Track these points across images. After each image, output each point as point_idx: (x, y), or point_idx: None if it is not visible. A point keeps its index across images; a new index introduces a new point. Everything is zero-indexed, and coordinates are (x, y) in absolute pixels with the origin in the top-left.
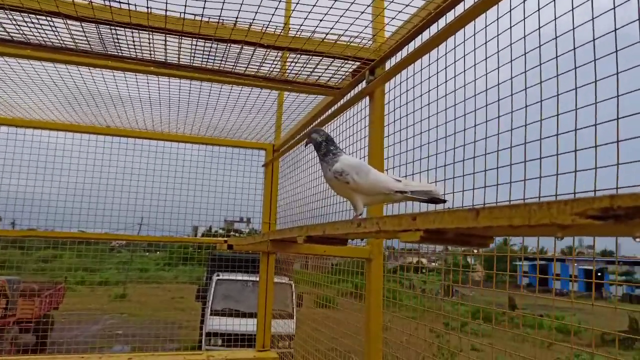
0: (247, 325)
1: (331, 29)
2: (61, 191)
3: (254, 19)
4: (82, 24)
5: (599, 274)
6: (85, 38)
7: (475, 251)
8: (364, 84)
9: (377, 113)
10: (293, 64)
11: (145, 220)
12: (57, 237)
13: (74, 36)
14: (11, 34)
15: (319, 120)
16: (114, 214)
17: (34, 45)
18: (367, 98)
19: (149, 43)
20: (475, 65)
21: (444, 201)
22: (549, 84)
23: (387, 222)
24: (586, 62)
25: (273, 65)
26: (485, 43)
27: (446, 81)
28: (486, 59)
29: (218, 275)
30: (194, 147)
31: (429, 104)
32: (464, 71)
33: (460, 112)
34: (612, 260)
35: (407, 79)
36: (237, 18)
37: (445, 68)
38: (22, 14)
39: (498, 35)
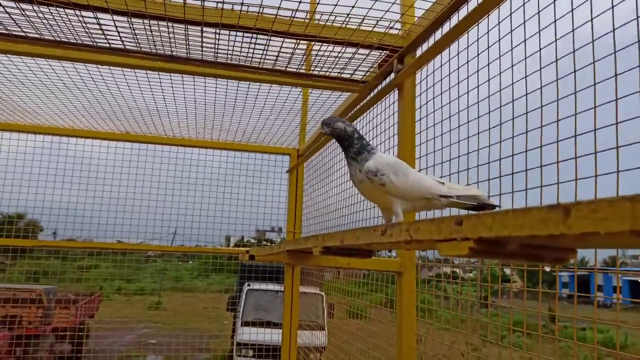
0: (278, 337)
1: (348, 14)
2: (97, 201)
3: (279, 7)
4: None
5: None
6: (116, 32)
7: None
8: (392, 76)
9: (408, 107)
10: (317, 58)
11: (179, 230)
12: (95, 248)
13: (105, 32)
14: (43, 33)
15: (345, 118)
16: (149, 223)
17: (65, 44)
18: (396, 91)
19: (171, 35)
20: (512, 48)
21: (493, 207)
22: (605, 63)
23: (420, 228)
24: None
25: (294, 58)
26: (524, 22)
27: (487, 64)
28: (525, 40)
29: (249, 285)
30: (222, 155)
31: (467, 93)
32: (498, 57)
33: (502, 101)
34: None
35: (441, 66)
36: (261, 6)
37: (487, 49)
38: (58, 8)
39: (539, 11)
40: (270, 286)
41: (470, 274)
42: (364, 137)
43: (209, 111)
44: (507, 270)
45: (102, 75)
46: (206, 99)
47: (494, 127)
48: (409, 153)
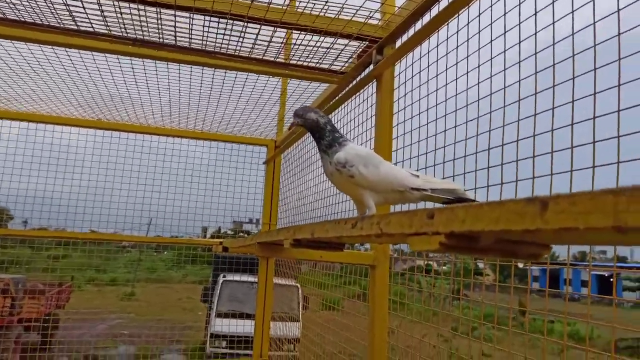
0: (251, 328)
1: (326, 2)
2: (72, 189)
3: None
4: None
5: (611, 279)
6: (85, 14)
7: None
8: (371, 67)
9: (386, 99)
10: (296, 47)
11: (154, 220)
12: (68, 238)
13: (73, 13)
14: (6, 13)
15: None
16: (124, 213)
17: (37, 26)
18: (375, 83)
19: (143, 21)
20: (491, 40)
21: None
22: (584, 57)
23: (392, 221)
24: None
25: (271, 46)
26: (504, 15)
27: (466, 57)
28: (504, 33)
29: (224, 277)
30: (199, 145)
31: (446, 85)
32: (477, 49)
33: (480, 94)
34: (627, 266)
35: (420, 58)
36: None
37: (467, 41)
38: None
39: (520, 3)
40: (246, 277)
41: (444, 267)
42: (338, 129)
43: (183, 100)
44: (480, 264)
45: (71, 61)
46: (180, 87)
47: (471, 120)
48: (386, 145)
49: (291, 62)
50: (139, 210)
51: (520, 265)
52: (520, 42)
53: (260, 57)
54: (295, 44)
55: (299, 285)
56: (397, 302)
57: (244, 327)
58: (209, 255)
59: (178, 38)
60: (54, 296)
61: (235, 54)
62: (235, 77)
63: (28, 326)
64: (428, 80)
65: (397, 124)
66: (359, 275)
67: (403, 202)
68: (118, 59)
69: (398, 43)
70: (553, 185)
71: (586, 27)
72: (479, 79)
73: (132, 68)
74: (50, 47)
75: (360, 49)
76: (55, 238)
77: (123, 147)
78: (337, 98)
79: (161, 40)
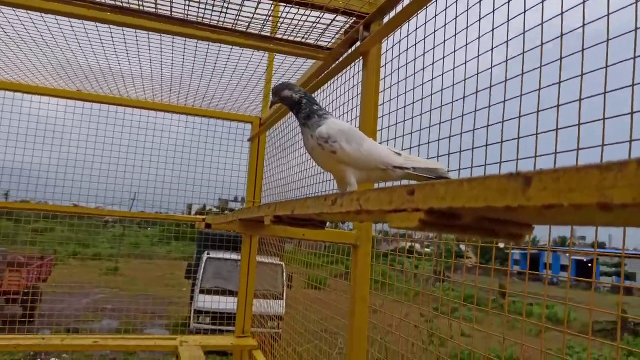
0: (235, 304)
1: None
2: (53, 162)
3: None
4: None
5: (590, 264)
6: None
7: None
8: (358, 43)
9: (372, 76)
10: (281, 20)
11: (137, 195)
12: (50, 211)
13: None
14: None
15: (308, 87)
16: (108, 187)
17: None
18: (361, 61)
19: None
20: (479, 18)
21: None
22: (572, 37)
23: (371, 198)
24: None
25: (256, 18)
26: None
27: (454, 35)
28: (493, 10)
29: (208, 254)
30: (184, 120)
31: (432, 64)
32: (465, 27)
33: (467, 74)
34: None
35: (407, 35)
36: None
37: (455, 19)
38: None
39: None
40: (230, 255)
41: (427, 249)
42: (317, 103)
43: (166, 73)
44: (462, 247)
45: (48, 28)
46: (162, 60)
47: (456, 100)
48: (370, 124)
49: (276, 36)
50: (121, 185)
51: (502, 245)
52: (508, 21)
53: (244, 29)
54: (281, 17)
55: (283, 264)
56: (379, 281)
57: (227, 303)
58: (193, 232)
59: (158, 6)
60: (35, 269)
61: (219, 25)
62: (219, 51)
63: (9, 299)
64: (415, 59)
65: (383, 103)
66: (343, 254)
67: (385, 180)
68: (97, 27)
69: (386, 19)
70: (537, 167)
71: (574, 6)
72: (466, 58)
73: (112, 38)
74: (24, 11)
75: (348, 25)
76: (37, 211)
77: (105, 120)
78: (322, 75)
79: (141, 7)
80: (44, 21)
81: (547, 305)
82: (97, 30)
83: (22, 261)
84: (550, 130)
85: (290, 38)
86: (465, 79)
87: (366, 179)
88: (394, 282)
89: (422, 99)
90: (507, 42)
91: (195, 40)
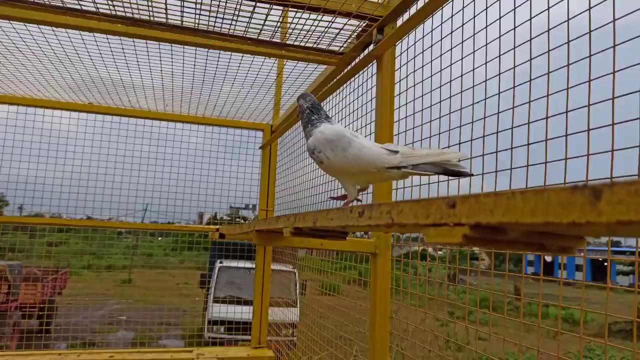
0: (249, 314)
1: None
2: (65, 175)
3: None
4: None
5: (605, 263)
6: None
7: None
8: (371, 47)
9: (386, 80)
10: (293, 26)
11: (149, 206)
12: (64, 225)
13: None
14: None
15: (319, 93)
16: (120, 199)
17: (22, 3)
18: (375, 65)
19: None
20: (499, 17)
21: (468, 175)
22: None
23: (404, 210)
24: None
25: (267, 25)
26: None
27: (473, 35)
28: (514, 9)
29: (221, 262)
30: (195, 130)
31: (450, 66)
32: (485, 27)
33: (487, 75)
34: (620, 250)
35: (422, 37)
36: None
37: (473, 19)
38: None
39: None
40: (243, 263)
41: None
42: (318, 111)
43: (177, 83)
44: (476, 249)
45: (59, 41)
46: (173, 70)
47: (477, 102)
48: (386, 129)
49: (287, 42)
50: (133, 197)
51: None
52: (530, 19)
53: (256, 37)
54: (292, 23)
55: (296, 271)
56: (393, 288)
57: (242, 313)
58: (206, 242)
59: (169, 17)
60: (51, 282)
61: (229, 33)
62: (230, 60)
63: (25, 312)
64: (431, 61)
65: (399, 107)
66: (356, 261)
67: (386, 180)
68: (107, 39)
69: (399, 22)
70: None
71: (601, 2)
72: (486, 59)
73: (123, 50)
74: (36, 25)
75: (360, 29)
76: (51, 225)
77: (117, 132)
78: (335, 80)
79: (151, 18)
80: (55, 35)
81: (563, 307)
82: (109, 43)
83: (37, 275)
84: (582, 131)
85: (302, 44)
86: (486, 79)
87: (365, 182)
88: (407, 287)
89: (440, 102)
90: (530, 40)
91: (206, 50)
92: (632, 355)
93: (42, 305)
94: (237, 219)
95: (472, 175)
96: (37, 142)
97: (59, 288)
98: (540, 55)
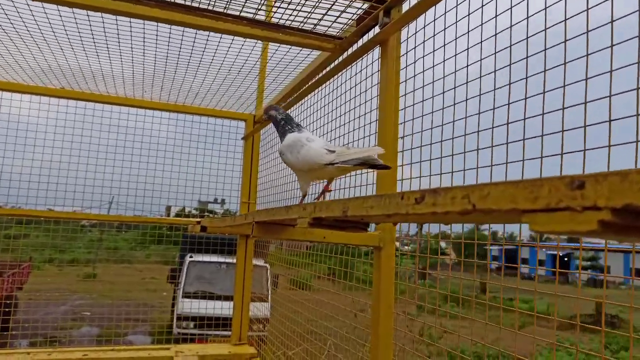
0: (221, 309)
1: None
2: (26, 164)
3: None
4: None
5: (566, 259)
6: None
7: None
8: (376, 29)
9: (391, 67)
10: (282, 7)
11: (116, 198)
12: (25, 216)
13: None
14: None
15: (310, 82)
16: (84, 190)
17: None
18: (373, 53)
19: None
20: (511, 6)
21: (385, 167)
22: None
23: (492, 194)
24: None
25: (251, 3)
26: None
27: (481, 24)
28: None
29: (191, 257)
30: (164, 120)
31: (455, 56)
32: (495, 15)
33: (497, 64)
34: (576, 247)
35: (434, 21)
36: None
37: (482, 6)
38: None
39: None
40: (214, 258)
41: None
42: (291, 121)
43: (148, 64)
44: (443, 244)
45: (20, 15)
46: (145, 50)
47: (485, 92)
48: (390, 118)
49: (279, 23)
50: (99, 188)
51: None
52: (546, 8)
53: (238, 13)
54: (283, 2)
55: (268, 265)
56: (365, 280)
57: (213, 309)
58: (176, 235)
59: None
60: (10, 277)
61: (210, 8)
62: (207, 41)
63: None
64: (440, 47)
65: (405, 94)
66: (326, 255)
67: (330, 176)
68: (73, 13)
69: (405, 6)
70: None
71: None
72: (495, 48)
73: (90, 25)
74: None
75: (362, 11)
76: (11, 216)
77: (80, 119)
78: (332, 67)
79: None
80: (16, 9)
81: (526, 300)
82: (74, 18)
83: None
84: (603, 122)
85: (295, 25)
86: (495, 70)
87: (315, 178)
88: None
89: (443, 93)
90: (545, 30)
91: (182, 30)
92: (597, 346)
93: (3, 299)
94: (206, 213)
95: (389, 168)
96: None
97: (20, 283)
98: (557, 45)
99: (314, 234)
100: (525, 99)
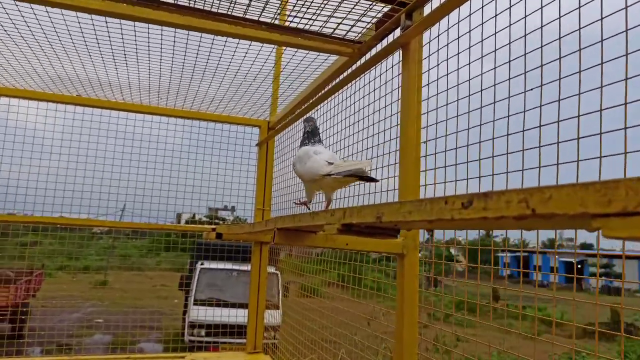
0: (233, 317)
1: None
2: (40, 171)
3: None
4: None
5: (579, 266)
6: None
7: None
8: (396, 33)
9: (413, 71)
10: (301, 12)
11: (127, 206)
12: (38, 223)
13: None
14: None
15: (327, 88)
16: (96, 198)
17: None
18: (393, 57)
19: None
20: (542, 6)
21: (374, 180)
22: None
23: (555, 197)
24: None
25: (275, 10)
26: None
27: (509, 25)
28: None
29: (202, 264)
30: (177, 127)
31: (481, 58)
32: (524, 16)
33: (526, 66)
34: (592, 253)
35: (458, 23)
36: None
37: (510, 8)
38: None
39: None
40: (224, 265)
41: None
42: (310, 135)
43: (164, 72)
44: (452, 250)
45: (26, 23)
46: (162, 58)
47: (514, 95)
48: (412, 123)
49: (295, 27)
50: (112, 195)
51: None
52: (580, 7)
53: (257, 18)
54: (300, 6)
55: (278, 273)
56: (373, 289)
57: (224, 316)
58: (184, 242)
59: None
60: (24, 284)
61: (229, 13)
62: (234, 53)
63: None
64: (471, 47)
65: (428, 98)
66: (335, 264)
67: (329, 186)
68: (77, 18)
69: (427, 9)
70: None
71: None
72: (525, 49)
73: (108, 30)
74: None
75: (382, 14)
76: (24, 223)
77: (88, 125)
78: (351, 71)
79: None
80: (21, 15)
81: (540, 308)
82: (92, 21)
83: (10, 277)
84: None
85: (314, 29)
86: (525, 72)
87: (318, 187)
88: (388, 290)
89: (469, 96)
90: (579, 30)
91: (199, 36)
92: (616, 355)
93: (14, 309)
94: (216, 220)
95: (377, 180)
96: (6, 136)
97: (33, 290)
98: (591, 45)
99: (337, 241)
100: (559, 100)
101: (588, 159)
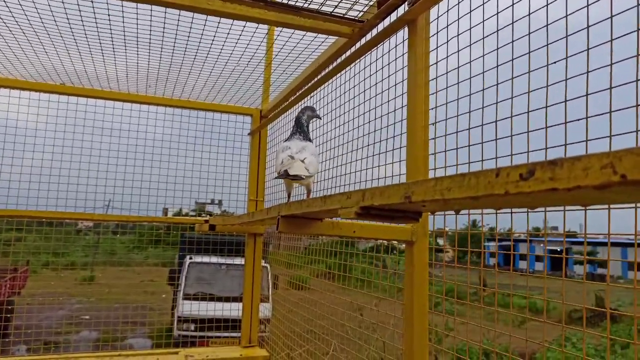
0: (222, 311)
1: None
2: (22, 165)
3: None
4: None
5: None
6: None
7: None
8: (399, 11)
9: (420, 49)
10: None
11: (112, 201)
12: (21, 217)
13: None
14: None
15: (321, 75)
16: (82, 191)
17: None
18: (396, 37)
19: None
20: None
21: (295, 177)
22: None
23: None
24: None
25: None
26: None
27: None
28: None
29: (191, 258)
30: (163, 117)
31: (497, 32)
32: None
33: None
34: (577, 241)
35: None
36: None
37: None
38: None
39: None
40: (214, 259)
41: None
42: (298, 128)
43: (153, 59)
44: (440, 241)
45: (8, 8)
46: (150, 44)
47: (522, 75)
48: (420, 104)
49: (294, 5)
50: (97, 190)
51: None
52: None
53: None
54: None
55: (268, 266)
56: (363, 280)
57: (214, 311)
58: (172, 236)
59: None
60: (9, 282)
61: None
62: (203, 29)
63: None
64: (470, 28)
65: (436, 77)
66: (323, 255)
67: (287, 183)
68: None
69: None
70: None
71: None
72: (547, 20)
73: (94, 10)
74: None
75: None
76: (6, 217)
77: (73, 115)
78: (353, 51)
79: None
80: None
81: (525, 296)
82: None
83: None
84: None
85: (314, 7)
86: (529, 51)
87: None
88: (376, 279)
89: (483, 73)
90: (587, 6)
91: (191, 16)
92: (597, 341)
93: (2, 304)
94: (203, 214)
95: (302, 178)
96: None
97: (18, 288)
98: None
99: (343, 229)
100: (587, 72)
101: (623, 134)
